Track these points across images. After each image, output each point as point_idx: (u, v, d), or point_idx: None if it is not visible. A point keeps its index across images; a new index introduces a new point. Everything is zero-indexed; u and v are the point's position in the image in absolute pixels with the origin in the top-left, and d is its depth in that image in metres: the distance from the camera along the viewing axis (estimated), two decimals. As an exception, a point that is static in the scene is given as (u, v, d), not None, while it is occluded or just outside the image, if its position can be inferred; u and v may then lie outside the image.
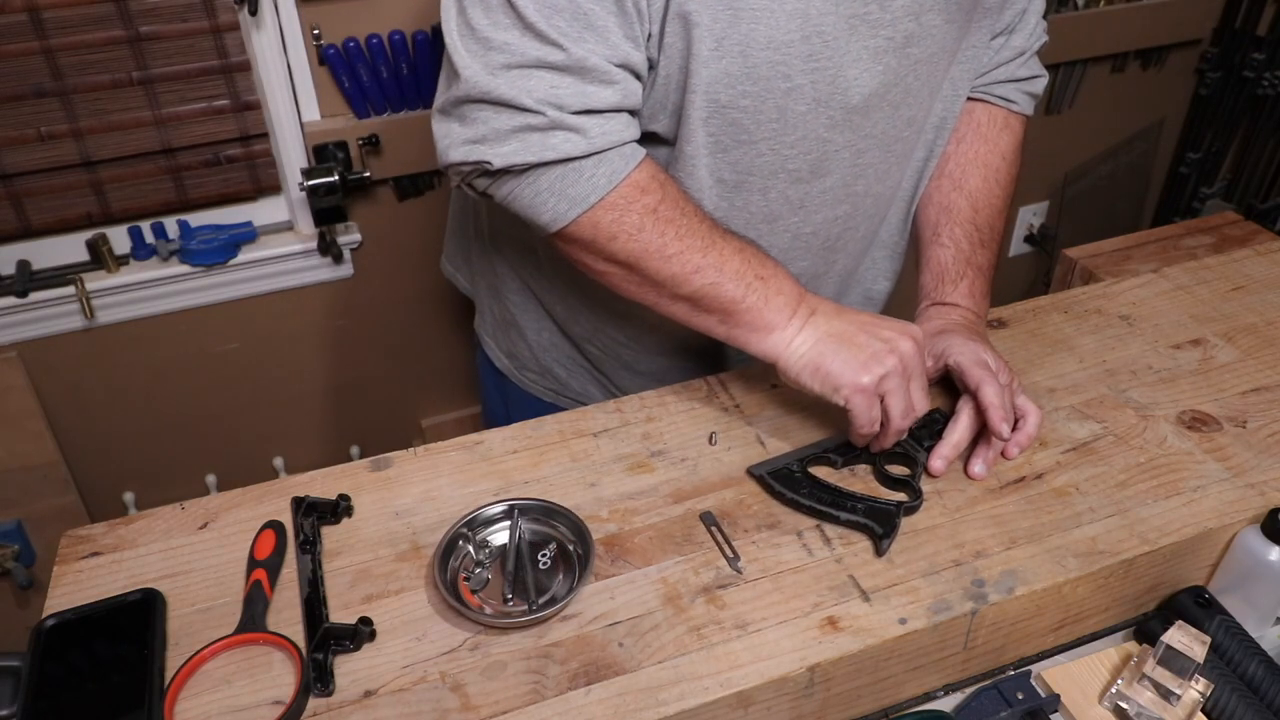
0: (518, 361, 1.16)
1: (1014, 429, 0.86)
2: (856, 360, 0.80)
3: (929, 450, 0.86)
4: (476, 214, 1.11)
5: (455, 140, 0.82)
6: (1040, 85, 1.08)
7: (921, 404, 0.83)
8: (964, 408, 0.87)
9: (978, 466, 0.85)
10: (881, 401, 0.81)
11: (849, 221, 0.98)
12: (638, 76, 0.82)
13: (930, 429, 0.88)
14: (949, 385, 0.94)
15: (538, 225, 0.84)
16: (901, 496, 0.82)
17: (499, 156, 0.79)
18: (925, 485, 0.83)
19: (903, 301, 1.15)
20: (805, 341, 0.83)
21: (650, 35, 0.81)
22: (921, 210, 1.05)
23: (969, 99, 1.04)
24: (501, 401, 1.22)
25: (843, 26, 0.82)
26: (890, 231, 1.08)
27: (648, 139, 0.89)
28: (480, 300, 1.19)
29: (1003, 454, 0.86)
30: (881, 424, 0.82)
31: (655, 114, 0.87)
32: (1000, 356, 0.90)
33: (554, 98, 0.78)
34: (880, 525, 0.78)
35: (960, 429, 0.86)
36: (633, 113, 0.85)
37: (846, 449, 0.86)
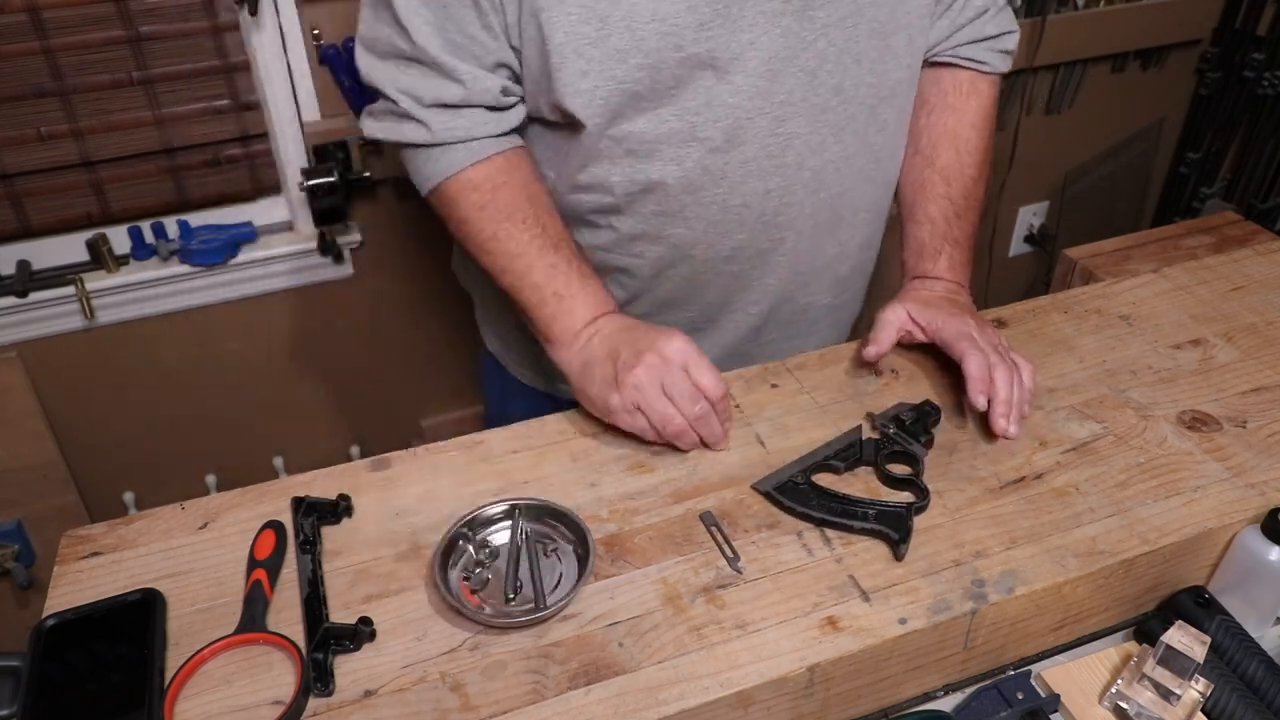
0: (511, 353, 1.18)
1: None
2: (606, 380, 0.86)
3: (926, 444, 0.86)
4: None
5: (362, 115, 0.98)
6: (1012, 41, 1.06)
7: (688, 405, 0.84)
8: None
9: (1000, 423, 0.86)
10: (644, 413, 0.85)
11: (786, 196, 0.97)
12: (500, 68, 0.90)
13: (923, 422, 0.88)
14: (954, 378, 0.94)
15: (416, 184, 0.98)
16: (907, 496, 0.82)
17: (370, 132, 0.96)
18: (925, 484, 0.83)
19: (883, 283, 1.16)
20: (577, 363, 0.90)
21: (507, 26, 0.86)
22: (900, 189, 1.07)
23: (935, 64, 1.04)
24: (500, 392, 1.24)
25: None
26: (857, 213, 1.05)
27: (548, 125, 0.95)
28: (476, 293, 1.22)
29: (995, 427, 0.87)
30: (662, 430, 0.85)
31: (535, 99, 0.92)
32: (984, 322, 0.93)
33: (410, 89, 0.90)
34: (894, 530, 0.77)
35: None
36: (492, 108, 0.92)
37: (847, 453, 0.86)
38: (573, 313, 0.91)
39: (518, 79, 0.92)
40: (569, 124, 0.92)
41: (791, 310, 1.09)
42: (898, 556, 0.76)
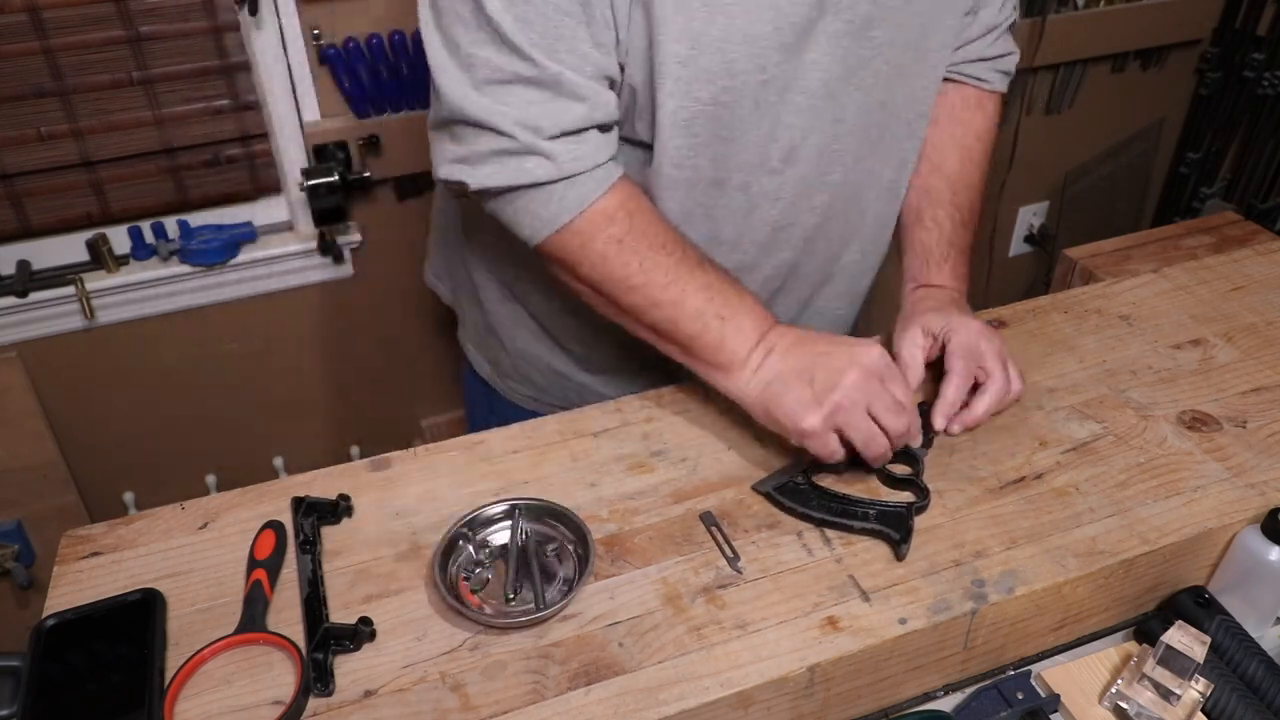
0: (499, 369, 1.15)
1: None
2: (802, 401, 0.80)
3: (926, 444, 0.86)
4: (460, 222, 1.11)
5: (443, 158, 0.85)
6: (1012, 62, 1.07)
7: (894, 422, 0.80)
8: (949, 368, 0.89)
9: (939, 421, 0.87)
10: (842, 434, 0.80)
11: (828, 211, 0.98)
12: (610, 85, 0.83)
13: (924, 422, 0.87)
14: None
15: (521, 238, 0.86)
16: (908, 496, 0.82)
17: (476, 179, 0.82)
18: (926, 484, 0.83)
19: (884, 293, 1.15)
20: (757, 385, 0.83)
21: (619, 41, 0.81)
22: (905, 195, 1.06)
23: (943, 79, 1.04)
24: (487, 410, 1.21)
25: (809, 13, 0.82)
26: (884, 226, 1.06)
27: (628, 144, 0.90)
28: (462, 310, 1.19)
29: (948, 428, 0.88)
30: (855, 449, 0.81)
31: (629, 118, 0.87)
32: (988, 330, 0.91)
33: (528, 118, 0.79)
34: (895, 530, 0.77)
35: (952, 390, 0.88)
36: (605, 128, 0.85)
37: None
38: (740, 332, 0.83)
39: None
40: (642, 146, 0.89)
41: (810, 318, 1.09)
42: (899, 556, 0.76)
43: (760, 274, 0.99)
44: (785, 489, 0.82)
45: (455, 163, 0.84)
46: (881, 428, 0.80)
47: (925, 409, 0.90)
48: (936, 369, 0.92)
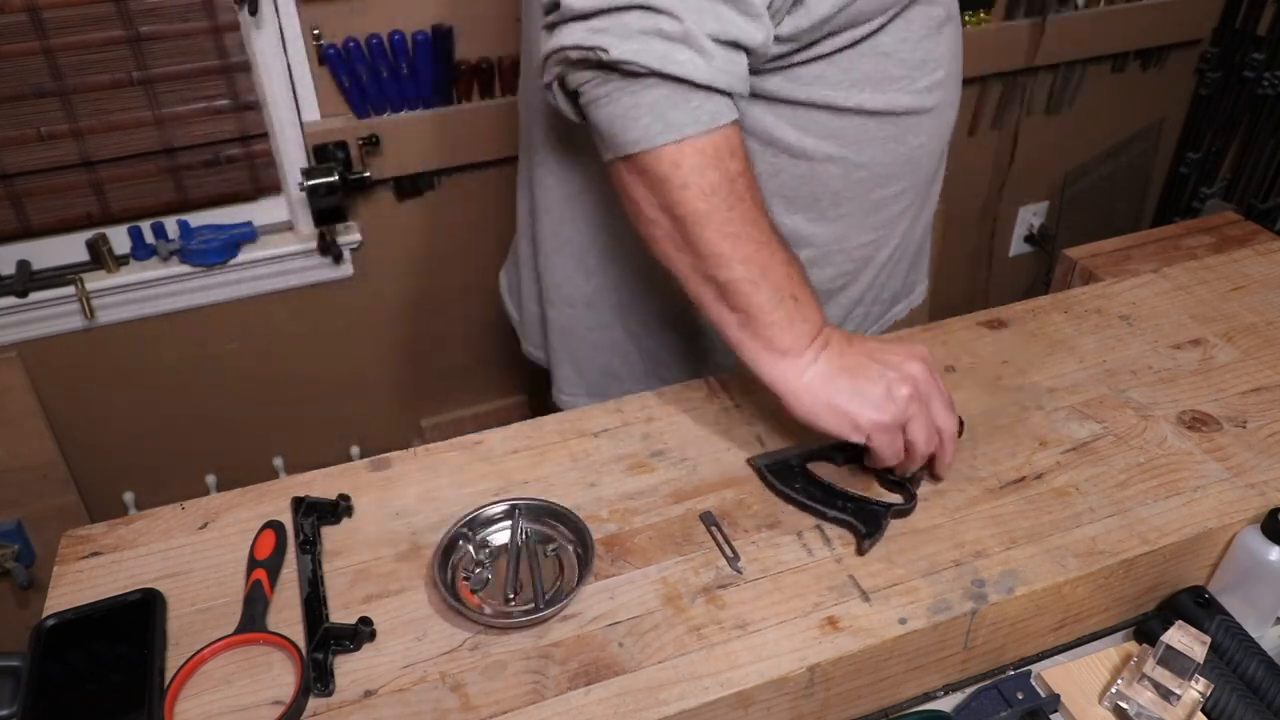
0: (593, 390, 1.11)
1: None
2: (872, 396, 0.77)
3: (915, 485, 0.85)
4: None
5: (570, 36, 0.74)
6: None
7: (947, 421, 0.80)
8: None
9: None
10: (905, 431, 0.78)
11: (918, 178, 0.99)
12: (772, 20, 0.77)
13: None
14: (957, 379, 0.94)
15: (616, 143, 0.77)
16: (896, 498, 0.82)
17: (618, 49, 0.72)
18: (926, 486, 0.83)
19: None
20: (817, 377, 0.79)
21: None
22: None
23: None
24: None
25: None
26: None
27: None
28: (567, 351, 1.11)
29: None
30: (907, 452, 0.80)
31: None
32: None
33: (695, 8, 0.72)
34: (865, 525, 0.78)
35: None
36: (753, 60, 0.78)
37: (849, 448, 0.86)
38: (807, 321, 0.79)
39: None
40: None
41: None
42: (859, 550, 0.77)
43: (853, 241, 1.00)
44: (776, 467, 0.83)
45: (593, 31, 0.72)
46: (937, 427, 0.79)
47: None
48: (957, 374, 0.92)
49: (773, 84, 0.88)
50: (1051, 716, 0.74)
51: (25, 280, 1.61)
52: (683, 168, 0.75)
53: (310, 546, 0.77)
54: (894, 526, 0.79)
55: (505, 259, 1.24)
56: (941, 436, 0.80)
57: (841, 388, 0.78)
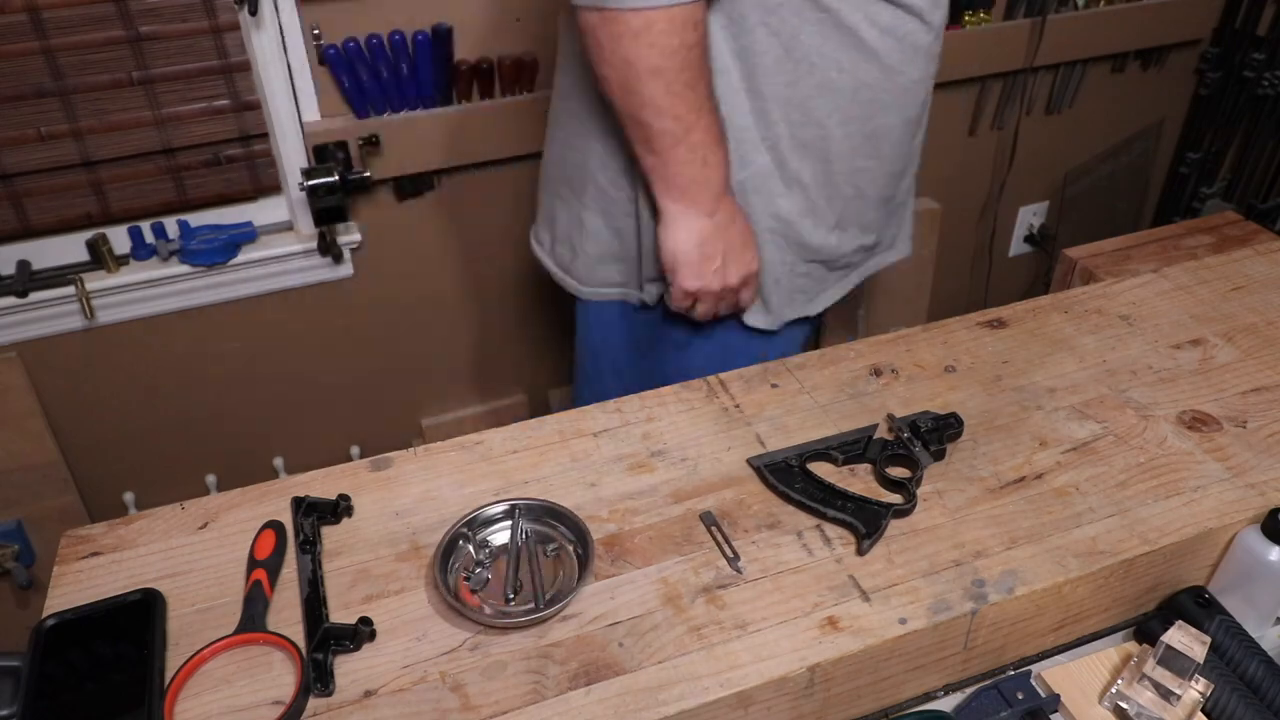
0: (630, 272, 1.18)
1: None
2: (709, 267, 1.01)
3: (936, 455, 0.86)
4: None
5: None
6: None
7: (715, 311, 1.06)
8: None
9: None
10: (696, 296, 1.03)
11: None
12: None
13: (941, 432, 0.87)
14: (957, 378, 0.94)
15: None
16: (896, 498, 0.82)
17: None
18: (926, 486, 0.83)
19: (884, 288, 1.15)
20: (695, 231, 0.99)
21: None
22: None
23: None
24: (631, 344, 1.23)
25: None
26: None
27: None
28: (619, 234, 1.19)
29: None
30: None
31: None
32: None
33: None
34: (865, 525, 0.78)
35: None
36: None
37: (851, 447, 0.86)
38: (709, 182, 0.98)
39: None
40: None
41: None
42: (859, 551, 0.77)
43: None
44: (776, 467, 0.83)
45: None
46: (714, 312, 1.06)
47: (952, 422, 0.88)
48: (957, 374, 0.92)
49: None
50: (1051, 716, 0.74)
51: (25, 280, 1.61)
52: (653, 29, 0.88)
53: (310, 546, 0.77)
54: (894, 526, 0.79)
55: (513, 246, 1.24)
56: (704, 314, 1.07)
57: (689, 245, 1.00)
